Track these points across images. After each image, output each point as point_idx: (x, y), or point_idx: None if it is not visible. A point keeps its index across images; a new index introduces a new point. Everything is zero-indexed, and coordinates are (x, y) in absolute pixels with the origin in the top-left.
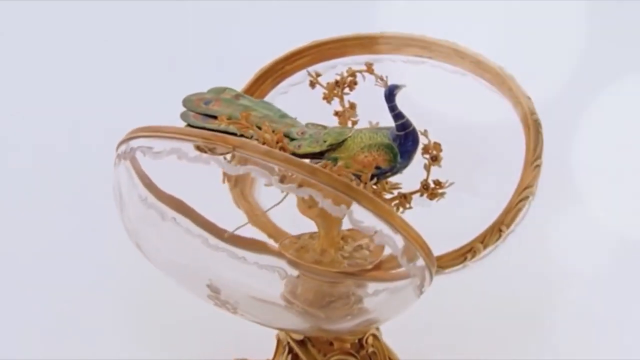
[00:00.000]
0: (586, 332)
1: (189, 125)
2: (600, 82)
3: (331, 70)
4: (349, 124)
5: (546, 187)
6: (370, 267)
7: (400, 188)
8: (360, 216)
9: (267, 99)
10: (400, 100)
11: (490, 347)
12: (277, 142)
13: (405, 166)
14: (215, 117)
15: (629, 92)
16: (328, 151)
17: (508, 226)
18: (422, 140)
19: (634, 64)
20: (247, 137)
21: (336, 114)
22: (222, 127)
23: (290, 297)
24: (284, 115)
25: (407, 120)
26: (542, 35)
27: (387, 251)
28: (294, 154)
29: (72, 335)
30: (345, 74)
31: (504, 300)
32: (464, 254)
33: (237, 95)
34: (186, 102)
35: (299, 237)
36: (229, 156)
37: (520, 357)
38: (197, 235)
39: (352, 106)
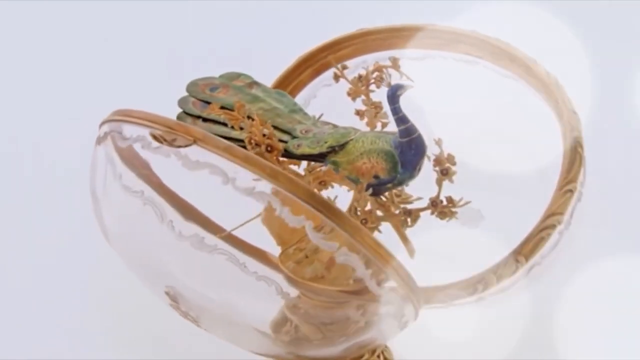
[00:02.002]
0: None
1: (185, 112)
2: None
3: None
4: (378, 127)
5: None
6: None
7: (411, 202)
8: (323, 230)
9: (307, 90)
10: (448, 101)
11: None
12: (268, 138)
13: (409, 178)
14: None
15: None
16: (330, 153)
17: (527, 257)
18: (434, 151)
19: None
20: (236, 130)
21: (357, 113)
22: (212, 116)
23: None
24: (294, 110)
25: (412, 126)
26: None
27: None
28: (290, 153)
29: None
30: (371, 69)
31: None
32: (474, 285)
33: (251, 84)
34: (190, 86)
35: (308, 242)
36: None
37: None
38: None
39: (377, 105)
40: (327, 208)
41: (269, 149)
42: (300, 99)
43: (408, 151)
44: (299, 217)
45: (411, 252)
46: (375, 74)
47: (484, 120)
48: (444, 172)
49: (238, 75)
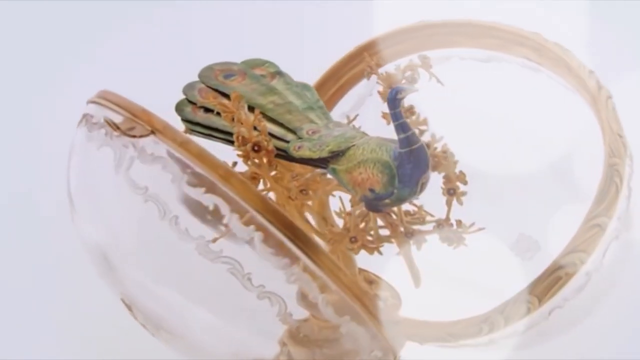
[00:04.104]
0: None
1: (188, 100)
2: None
3: (445, 62)
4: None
5: None
6: None
7: (423, 223)
8: (271, 244)
9: (363, 87)
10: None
11: None
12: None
13: (409, 194)
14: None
15: None
16: (332, 159)
17: (540, 299)
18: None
19: None
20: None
21: (384, 116)
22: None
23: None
24: (311, 108)
25: (413, 135)
26: None
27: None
28: (286, 154)
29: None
30: (402, 68)
31: None
32: (479, 324)
33: (274, 74)
34: (204, 71)
35: None
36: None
37: None
38: None
39: (409, 110)
40: (278, 219)
41: (255, 148)
42: (354, 96)
43: (406, 164)
44: (248, 228)
45: (417, 280)
46: (408, 73)
47: (534, 129)
48: (451, 192)
49: (263, 63)
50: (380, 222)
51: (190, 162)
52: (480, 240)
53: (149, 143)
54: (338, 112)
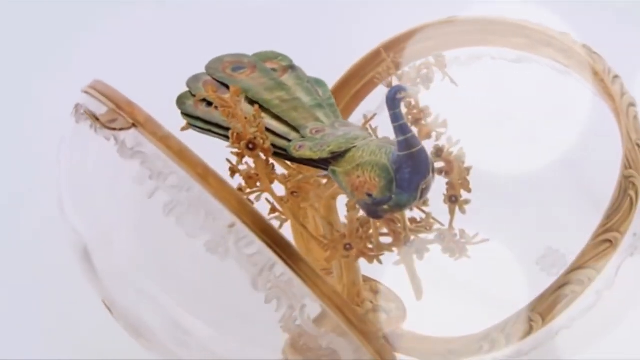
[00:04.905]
0: None
1: (191, 93)
2: None
3: (477, 61)
4: (433, 136)
5: None
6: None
7: (427, 231)
8: (244, 244)
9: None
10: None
11: None
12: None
13: (408, 200)
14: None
15: None
16: (334, 160)
17: (544, 317)
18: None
19: None
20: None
21: None
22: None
23: None
24: (320, 105)
25: (412, 137)
26: None
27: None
28: (289, 155)
29: None
30: (417, 66)
31: None
32: (479, 342)
33: (286, 68)
34: (212, 62)
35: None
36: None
37: None
38: None
39: (424, 111)
40: (254, 221)
41: (250, 145)
42: (381, 94)
43: (405, 168)
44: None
45: (418, 292)
46: (423, 71)
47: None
48: (453, 200)
49: (276, 56)
50: (385, 230)
51: (170, 158)
52: (493, 251)
53: (130, 137)
54: (364, 111)
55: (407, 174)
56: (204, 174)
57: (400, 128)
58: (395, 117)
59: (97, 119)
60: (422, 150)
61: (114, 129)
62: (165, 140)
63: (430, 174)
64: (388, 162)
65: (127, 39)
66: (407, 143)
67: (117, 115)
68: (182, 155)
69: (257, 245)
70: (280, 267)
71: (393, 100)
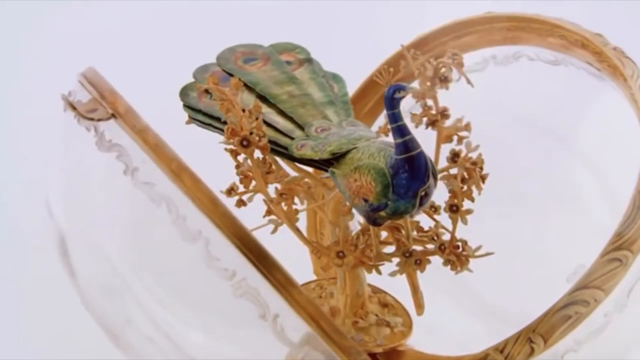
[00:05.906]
0: None
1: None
2: None
3: (515, 62)
4: (454, 140)
5: None
6: (377, 351)
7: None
8: (216, 249)
9: None
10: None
11: None
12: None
13: (406, 207)
14: None
15: None
16: (335, 161)
17: (545, 339)
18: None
19: None
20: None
21: (412, 118)
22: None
23: None
24: (332, 102)
25: (411, 140)
26: None
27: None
28: (287, 153)
29: None
30: (435, 64)
31: None
32: None
33: (302, 61)
34: (224, 52)
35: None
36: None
37: None
38: None
39: (443, 112)
40: (226, 224)
41: (244, 142)
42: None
43: (402, 173)
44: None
45: (419, 307)
46: (443, 69)
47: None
48: (453, 209)
49: (294, 48)
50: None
51: (144, 152)
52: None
53: (110, 128)
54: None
55: (404, 180)
56: (177, 170)
57: (399, 129)
58: (394, 117)
59: (75, 108)
60: (421, 155)
61: (92, 119)
62: (142, 134)
63: (430, 180)
64: (385, 165)
65: (139, 27)
66: (405, 146)
67: (98, 105)
68: (157, 150)
69: (229, 250)
70: (252, 274)
71: (391, 100)
